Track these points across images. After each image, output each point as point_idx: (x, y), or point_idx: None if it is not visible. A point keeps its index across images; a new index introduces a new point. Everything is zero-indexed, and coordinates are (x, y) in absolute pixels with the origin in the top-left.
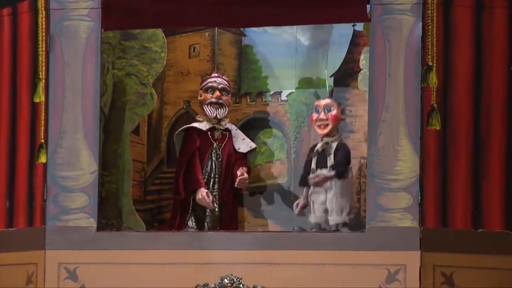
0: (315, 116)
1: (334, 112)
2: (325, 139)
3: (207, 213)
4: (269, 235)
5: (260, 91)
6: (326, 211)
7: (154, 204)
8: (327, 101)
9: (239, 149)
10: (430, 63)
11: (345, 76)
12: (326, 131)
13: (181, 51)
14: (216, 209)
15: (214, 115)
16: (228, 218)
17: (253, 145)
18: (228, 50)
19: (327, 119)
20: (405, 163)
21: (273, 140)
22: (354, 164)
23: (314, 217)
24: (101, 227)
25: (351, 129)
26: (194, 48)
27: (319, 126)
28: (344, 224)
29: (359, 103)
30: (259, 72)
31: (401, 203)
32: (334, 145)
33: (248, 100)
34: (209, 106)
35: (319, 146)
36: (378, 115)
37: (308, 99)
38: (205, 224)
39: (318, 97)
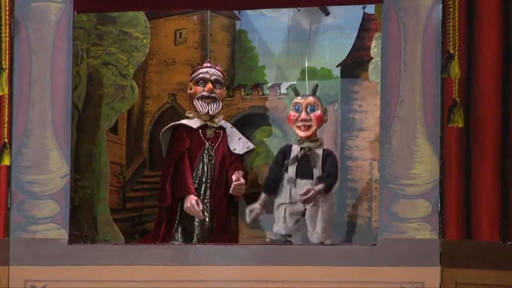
0: (294, 115)
1: (318, 112)
2: (306, 144)
3: (196, 224)
4: (267, 248)
5: (256, 83)
6: (297, 222)
7: (134, 213)
8: (309, 99)
9: (234, 150)
10: (452, 51)
11: (354, 65)
12: (309, 133)
13: (165, 37)
14: (207, 219)
15: (206, 110)
16: (220, 229)
17: (251, 146)
18: (220, 36)
19: (310, 120)
20: (423, 165)
21: (272, 140)
22: (364, 168)
23: (283, 227)
24: (73, 239)
25: (360, 127)
26: (181, 34)
27: (300, 128)
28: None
29: (370, 97)
30: (255, 61)
31: (418, 212)
32: (320, 152)
33: (243, 93)
34: (200, 101)
35: (297, 151)
36: (391, 110)
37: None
38: (194, 236)
39: (297, 93)
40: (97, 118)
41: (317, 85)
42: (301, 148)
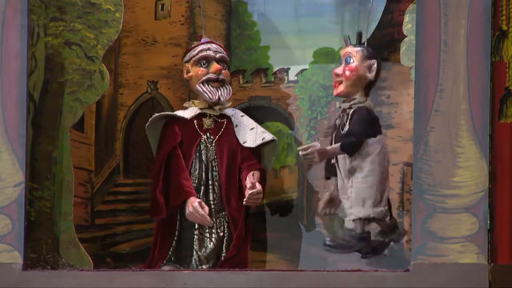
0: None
1: (353, 64)
2: (343, 105)
3: (194, 237)
4: (273, 275)
5: (258, 67)
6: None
7: (106, 231)
8: (345, 49)
9: (244, 143)
10: (505, 28)
11: (381, 46)
12: (338, 91)
13: (144, 10)
14: (220, 232)
15: (216, 97)
16: (238, 246)
17: (269, 137)
18: (212, 9)
19: (341, 75)
20: (468, 171)
21: (278, 139)
22: (394, 174)
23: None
24: (29, 264)
25: (389, 123)
26: (163, 6)
27: (334, 85)
28: (369, 220)
29: (402, 85)
30: (256, 40)
31: (462, 230)
32: (351, 111)
33: (241, 81)
34: (206, 85)
35: (337, 116)
36: (428, 102)
37: (327, 79)
38: (194, 254)
39: (347, 43)
40: (58, 111)
41: (360, 33)
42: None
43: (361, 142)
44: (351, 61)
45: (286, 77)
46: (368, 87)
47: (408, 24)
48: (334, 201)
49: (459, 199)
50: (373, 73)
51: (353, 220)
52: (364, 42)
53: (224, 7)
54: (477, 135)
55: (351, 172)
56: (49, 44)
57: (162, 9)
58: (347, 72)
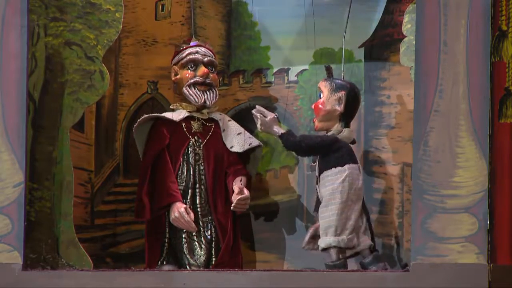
0: None
1: (320, 100)
2: None
3: (183, 241)
4: (273, 275)
5: (258, 68)
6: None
7: (105, 231)
8: (319, 84)
9: (232, 147)
10: (504, 28)
11: (381, 46)
12: (315, 126)
13: (144, 10)
14: (208, 235)
15: (203, 100)
16: (227, 255)
17: (255, 142)
18: (212, 9)
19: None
20: (468, 172)
21: (278, 139)
22: (394, 174)
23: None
24: (29, 264)
25: (389, 123)
26: (163, 6)
27: (313, 120)
28: (339, 249)
29: (402, 86)
30: (256, 40)
31: (461, 230)
32: None
33: (241, 81)
34: (193, 88)
35: None
36: (428, 102)
37: None
38: (183, 257)
39: (329, 74)
40: (58, 112)
41: (329, 66)
42: None
43: (300, 147)
44: (321, 95)
45: (286, 77)
46: (344, 118)
47: (408, 24)
48: (316, 238)
49: (458, 199)
50: (342, 105)
51: (322, 250)
52: (331, 75)
53: (224, 7)
54: (476, 135)
55: (319, 202)
56: (50, 44)
57: (163, 9)
58: (319, 107)
